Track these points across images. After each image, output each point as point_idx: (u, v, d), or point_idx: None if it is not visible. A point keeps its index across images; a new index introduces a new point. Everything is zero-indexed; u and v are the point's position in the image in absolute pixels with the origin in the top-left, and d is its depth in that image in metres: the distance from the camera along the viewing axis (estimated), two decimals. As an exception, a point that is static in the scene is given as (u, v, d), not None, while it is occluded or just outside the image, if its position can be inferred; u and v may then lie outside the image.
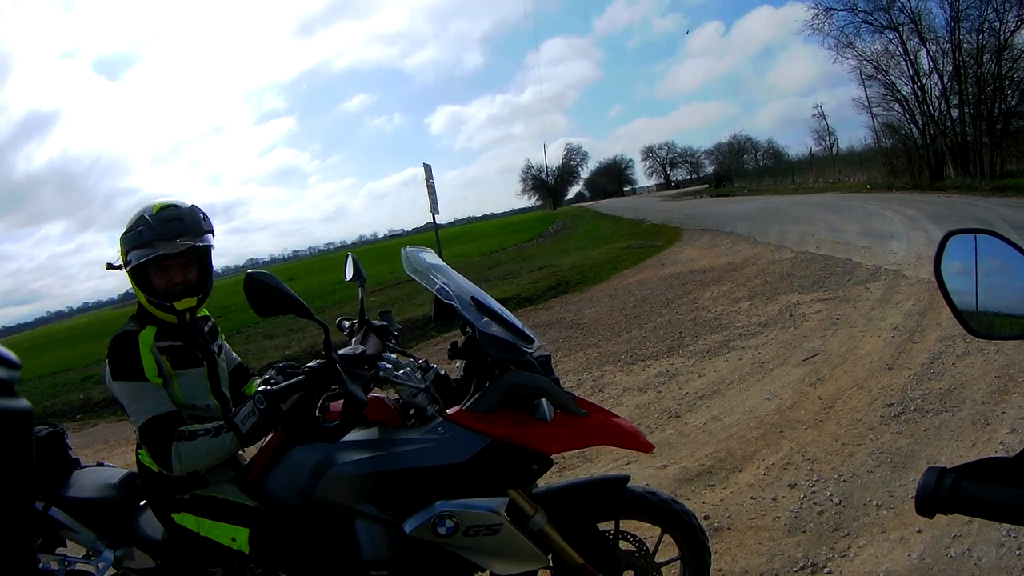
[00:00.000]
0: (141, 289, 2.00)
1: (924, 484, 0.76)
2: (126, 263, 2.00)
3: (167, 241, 1.96)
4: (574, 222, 29.03)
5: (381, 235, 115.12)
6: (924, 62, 20.57)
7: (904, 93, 21.38)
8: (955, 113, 20.16)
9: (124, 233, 2.00)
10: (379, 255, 21.92)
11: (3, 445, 0.47)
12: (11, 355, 0.50)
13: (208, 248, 2.06)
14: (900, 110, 21.90)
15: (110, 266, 2.08)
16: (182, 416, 1.95)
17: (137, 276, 2.00)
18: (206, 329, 2.18)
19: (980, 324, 0.94)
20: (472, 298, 1.92)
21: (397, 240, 72.63)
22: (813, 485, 3.19)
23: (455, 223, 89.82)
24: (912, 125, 21.57)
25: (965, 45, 19.35)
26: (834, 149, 31.93)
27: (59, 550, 2.19)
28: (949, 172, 19.88)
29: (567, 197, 70.56)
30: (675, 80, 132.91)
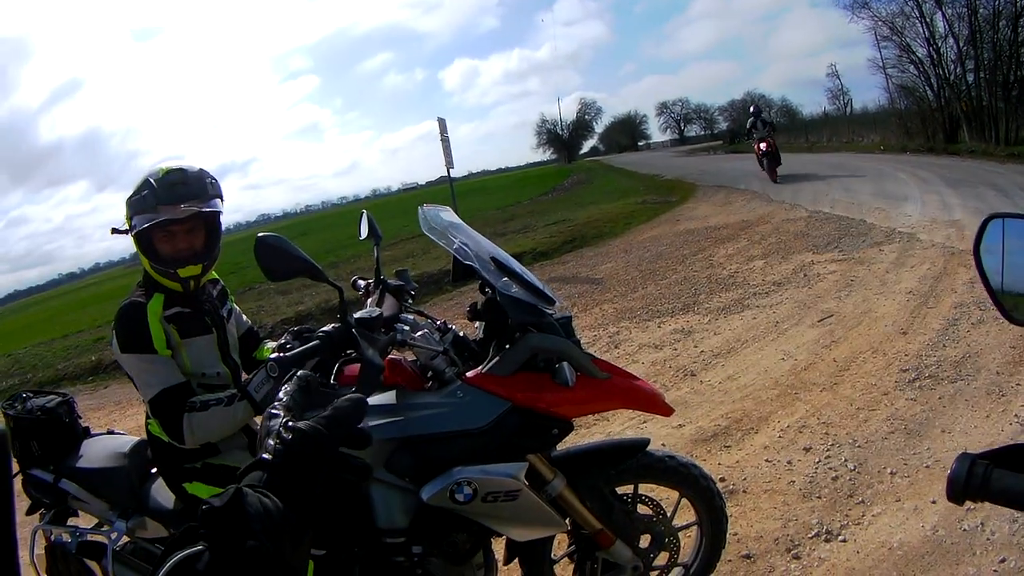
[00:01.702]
0: (146, 255, 1.93)
1: (956, 471, 0.76)
2: (131, 228, 1.93)
3: (171, 206, 1.88)
4: (589, 176, 28.39)
5: (395, 188, 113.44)
6: (940, 25, 19.93)
7: (919, 55, 20.77)
8: (970, 78, 19.55)
9: (129, 197, 1.92)
10: (393, 208, 21.61)
11: None
12: None
13: (215, 214, 1.97)
14: (915, 72, 21.32)
15: (115, 231, 2.00)
16: (192, 387, 1.90)
17: (142, 241, 1.93)
18: (215, 293, 2.12)
19: (1019, 311, 0.91)
20: (492, 258, 1.82)
21: (411, 194, 71.72)
22: (828, 449, 3.16)
23: (470, 176, 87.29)
24: (927, 88, 20.97)
25: (981, 10, 18.66)
26: (848, 109, 31.20)
27: (71, 521, 2.16)
28: (963, 136, 19.37)
29: (582, 151, 68.79)
30: (684, 40, 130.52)
